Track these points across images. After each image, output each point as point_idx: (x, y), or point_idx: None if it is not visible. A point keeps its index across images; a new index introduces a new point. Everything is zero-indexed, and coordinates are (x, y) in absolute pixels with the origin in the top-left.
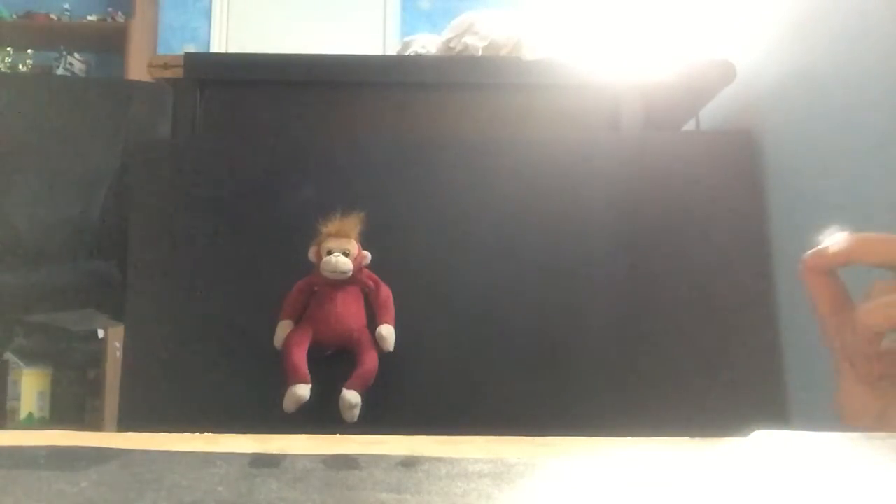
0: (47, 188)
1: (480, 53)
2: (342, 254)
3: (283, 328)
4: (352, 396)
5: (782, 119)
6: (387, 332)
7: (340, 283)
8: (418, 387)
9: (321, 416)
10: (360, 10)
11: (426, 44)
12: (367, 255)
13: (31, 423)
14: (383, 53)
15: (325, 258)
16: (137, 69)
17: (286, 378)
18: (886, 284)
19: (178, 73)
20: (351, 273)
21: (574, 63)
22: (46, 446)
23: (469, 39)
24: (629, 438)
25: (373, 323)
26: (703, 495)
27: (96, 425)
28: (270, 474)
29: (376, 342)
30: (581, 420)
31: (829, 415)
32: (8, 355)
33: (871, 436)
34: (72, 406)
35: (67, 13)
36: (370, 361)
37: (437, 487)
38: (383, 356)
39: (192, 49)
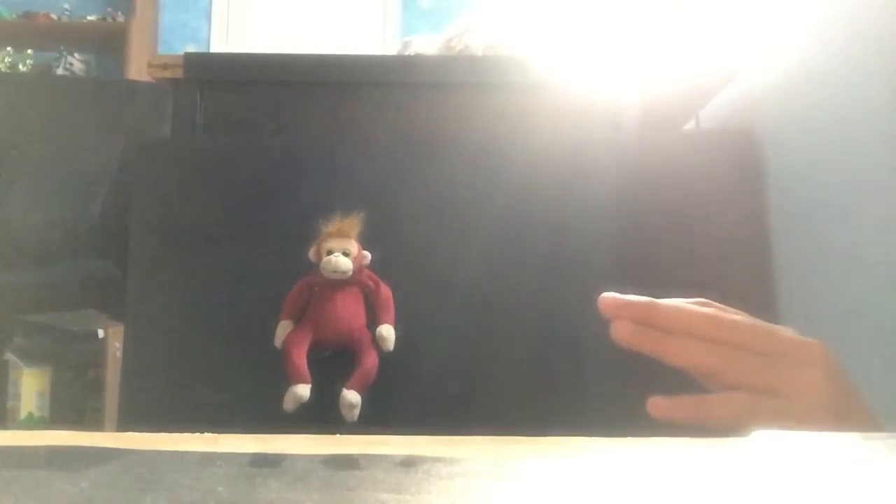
0: (47, 188)
1: (481, 53)
2: (342, 254)
3: (283, 328)
4: (352, 396)
5: (782, 119)
6: (387, 332)
7: (340, 283)
8: (418, 387)
9: (321, 416)
10: (360, 10)
11: (426, 44)
12: (368, 255)
13: (31, 423)
14: (383, 53)
15: (325, 258)
16: (137, 69)
17: (286, 378)
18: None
19: (178, 73)
20: (351, 273)
21: (575, 63)
22: (46, 446)
23: (469, 39)
24: (629, 438)
25: (373, 323)
26: (703, 495)
27: (96, 425)
28: (270, 474)
29: (376, 342)
30: (581, 420)
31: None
32: (8, 355)
33: (871, 436)
34: (72, 406)
35: (67, 13)
36: (370, 361)
37: (437, 487)
38: (383, 356)
39: (192, 49)
